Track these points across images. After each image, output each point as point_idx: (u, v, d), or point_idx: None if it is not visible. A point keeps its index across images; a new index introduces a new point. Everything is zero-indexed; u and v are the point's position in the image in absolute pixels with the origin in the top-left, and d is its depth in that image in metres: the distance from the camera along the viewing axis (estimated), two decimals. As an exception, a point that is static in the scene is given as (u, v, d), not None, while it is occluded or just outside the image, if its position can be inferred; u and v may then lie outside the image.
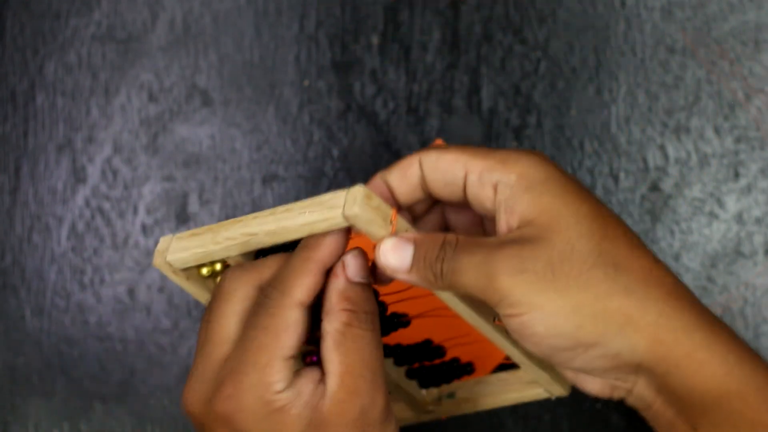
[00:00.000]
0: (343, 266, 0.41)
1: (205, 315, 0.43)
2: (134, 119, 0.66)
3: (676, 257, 0.63)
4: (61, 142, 0.67)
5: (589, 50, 0.64)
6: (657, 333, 0.39)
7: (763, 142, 0.63)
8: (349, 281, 0.41)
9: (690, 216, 0.63)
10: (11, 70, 0.67)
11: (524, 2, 0.64)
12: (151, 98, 0.66)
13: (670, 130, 0.63)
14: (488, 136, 0.64)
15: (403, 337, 0.58)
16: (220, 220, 0.65)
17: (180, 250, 0.45)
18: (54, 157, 0.67)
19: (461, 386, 0.54)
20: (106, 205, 0.66)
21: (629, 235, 0.40)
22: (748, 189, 0.63)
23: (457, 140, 0.64)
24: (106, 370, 0.65)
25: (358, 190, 0.40)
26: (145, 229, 0.66)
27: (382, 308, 0.48)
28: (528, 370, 0.48)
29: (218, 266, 0.46)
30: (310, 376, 0.41)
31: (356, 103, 0.65)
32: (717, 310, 0.62)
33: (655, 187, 0.63)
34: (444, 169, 0.43)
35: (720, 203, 0.63)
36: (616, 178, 0.63)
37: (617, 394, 0.42)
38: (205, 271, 0.46)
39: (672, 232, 0.63)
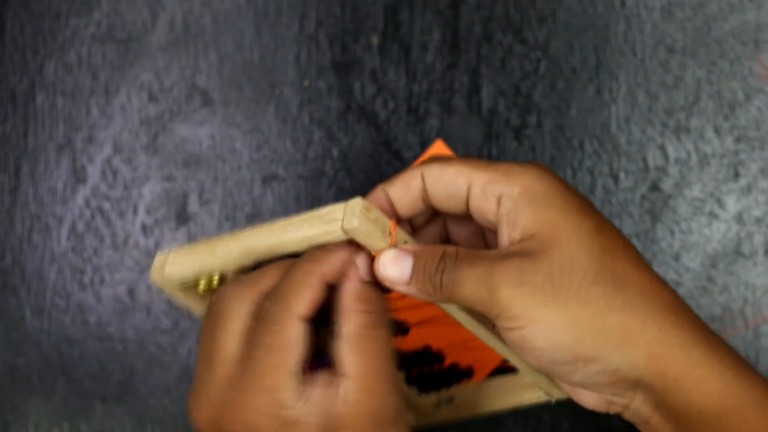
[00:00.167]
0: (356, 268, 0.41)
1: (205, 331, 0.43)
2: (134, 119, 0.66)
3: (676, 257, 0.63)
4: (61, 142, 0.67)
5: (589, 50, 0.64)
6: (655, 349, 0.39)
7: (763, 142, 0.63)
8: (362, 283, 0.41)
9: (690, 216, 0.63)
10: (11, 70, 0.67)
11: (524, 2, 0.64)
12: (151, 98, 0.66)
13: (670, 130, 0.63)
14: (488, 136, 0.64)
15: (402, 343, 0.58)
16: (220, 220, 0.65)
17: (177, 264, 0.45)
18: (54, 157, 0.67)
19: (460, 391, 0.54)
20: (106, 205, 0.66)
21: (629, 251, 0.41)
22: (748, 189, 0.63)
23: (457, 140, 0.64)
24: (106, 370, 0.65)
25: (356, 203, 0.40)
26: (145, 229, 0.66)
27: None
28: (527, 373, 0.48)
29: (215, 281, 0.45)
30: (320, 381, 0.41)
31: (356, 103, 0.65)
32: (717, 310, 0.62)
33: (655, 187, 0.63)
34: (447, 181, 0.43)
35: (720, 203, 0.63)
36: (616, 178, 0.63)
37: (614, 409, 0.42)
38: (202, 285, 0.45)
39: (672, 232, 0.63)
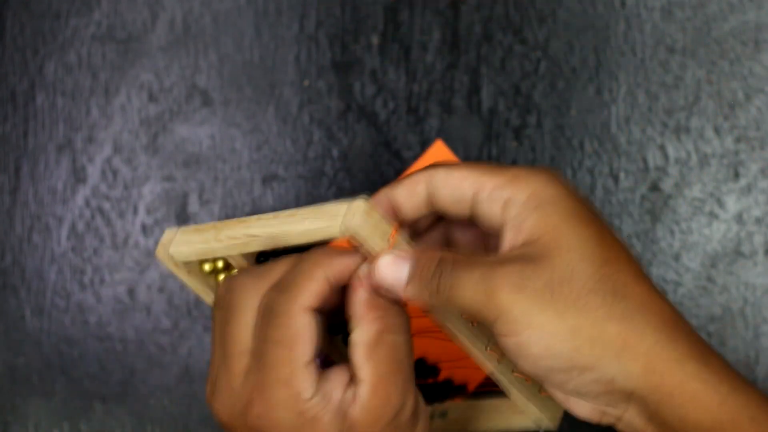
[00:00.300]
0: (362, 277, 0.42)
1: (217, 322, 0.43)
2: (134, 119, 0.66)
3: (676, 257, 0.63)
4: (61, 142, 0.67)
5: (589, 50, 0.64)
6: (651, 362, 0.39)
7: (763, 142, 0.63)
8: (371, 290, 0.41)
9: (690, 216, 0.63)
10: (11, 70, 0.67)
11: (524, 2, 0.64)
12: (151, 98, 0.66)
13: (670, 130, 0.63)
14: (488, 136, 0.64)
15: None
16: (220, 220, 0.65)
17: (183, 243, 0.45)
18: (54, 157, 0.67)
19: (454, 407, 0.54)
20: (106, 205, 0.66)
21: (631, 262, 0.41)
22: (748, 189, 0.63)
23: (457, 140, 0.64)
24: (106, 370, 0.65)
25: (359, 205, 0.40)
26: (145, 229, 0.66)
27: None
28: (515, 400, 0.48)
29: (220, 264, 0.46)
30: (338, 379, 0.41)
31: (356, 103, 0.65)
32: (717, 310, 0.62)
33: (655, 187, 0.63)
34: (454, 185, 0.42)
35: (720, 203, 0.63)
36: (616, 178, 0.63)
37: (606, 420, 0.42)
38: (207, 267, 0.46)
39: (672, 232, 0.63)
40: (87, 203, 0.66)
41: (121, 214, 0.66)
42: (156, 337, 0.65)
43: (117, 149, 0.66)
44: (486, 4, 0.64)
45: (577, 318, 0.38)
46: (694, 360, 0.39)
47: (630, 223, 0.63)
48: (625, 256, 0.41)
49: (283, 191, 0.65)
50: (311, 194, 0.65)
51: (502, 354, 0.44)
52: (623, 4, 0.64)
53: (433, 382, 0.55)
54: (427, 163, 0.46)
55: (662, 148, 0.63)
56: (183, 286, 0.64)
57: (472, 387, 0.57)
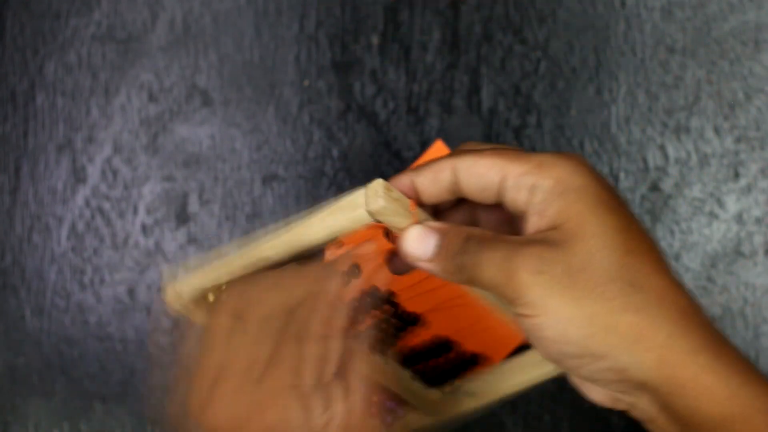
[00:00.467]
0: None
1: (224, 332, 0.44)
2: (134, 119, 0.66)
3: (676, 257, 0.63)
4: (61, 142, 0.67)
5: (589, 50, 0.64)
6: (665, 354, 0.39)
7: (763, 142, 0.63)
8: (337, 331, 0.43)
9: (690, 216, 0.63)
10: (11, 70, 0.67)
11: (524, 2, 0.64)
12: (151, 98, 0.66)
13: (670, 130, 0.63)
14: (488, 136, 0.64)
15: (411, 336, 0.57)
16: (220, 220, 0.65)
17: (187, 285, 0.45)
18: (54, 157, 0.67)
19: (470, 380, 0.54)
20: (106, 205, 0.66)
21: (653, 252, 0.40)
22: (748, 189, 0.63)
23: (457, 140, 0.64)
24: (106, 370, 0.65)
25: (377, 184, 0.40)
26: (145, 229, 0.66)
27: (393, 308, 0.48)
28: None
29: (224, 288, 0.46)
30: (339, 394, 0.42)
31: (356, 103, 0.65)
32: (717, 310, 0.62)
33: (655, 187, 0.63)
34: (480, 174, 0.42)
35: (720, 203, 0.63)
36: (616, 178, 0.63)
37: (620, 406, 0.42)
38: (211, 297, 0.46)
39: (672, 232, 0.63)
40: (87, 203, 0.66)
41: (121, 214, 0.66)
42: (156, 337, 0.65)
43: (117, 149, 0.66)
44: (486, 4, 0.64)
45: (594, 306, 0.38)
46: (707, 352, 0.39)
47: (630, 223, 0.63)
48: (648, 246, 0.40)
49: (283, 191, 0.65)
50: (311, 194, 0.65)
51: None
52: (623, 4, 0.64)
53: (445, 360, 0.55)
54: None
55: (662, 148, 0.63)
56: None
57: (495, 355, 0.57)
